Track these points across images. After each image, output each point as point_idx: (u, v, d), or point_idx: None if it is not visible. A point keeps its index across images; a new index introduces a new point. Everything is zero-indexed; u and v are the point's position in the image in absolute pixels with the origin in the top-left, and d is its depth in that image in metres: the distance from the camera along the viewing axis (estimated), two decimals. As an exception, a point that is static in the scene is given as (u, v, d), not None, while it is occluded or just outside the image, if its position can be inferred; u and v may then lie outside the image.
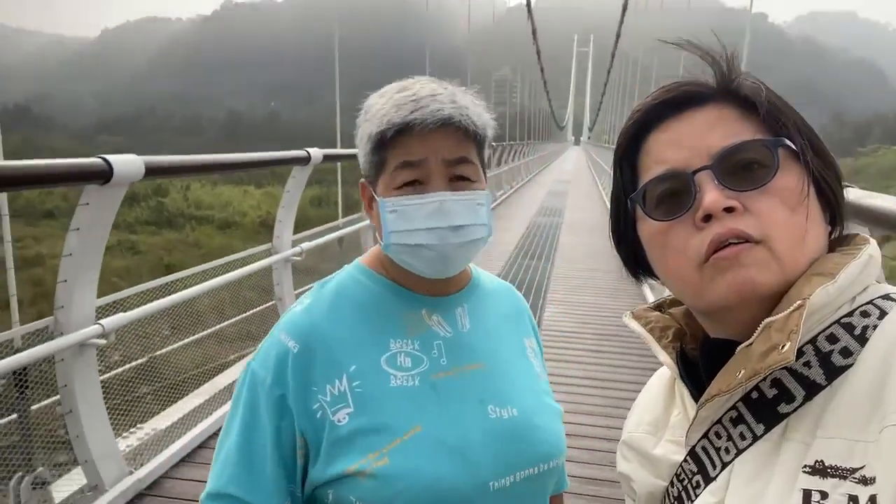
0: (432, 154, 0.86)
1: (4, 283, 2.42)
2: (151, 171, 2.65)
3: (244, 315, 4.68)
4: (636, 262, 0.70)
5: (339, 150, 5.16)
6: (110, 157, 2.44)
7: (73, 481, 2.76)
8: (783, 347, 0.52)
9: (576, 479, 2.95)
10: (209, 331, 4.34)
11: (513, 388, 0.95)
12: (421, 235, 0.86)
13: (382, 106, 0.86)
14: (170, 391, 3.77)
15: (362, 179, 0.95)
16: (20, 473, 2.57)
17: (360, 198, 0.97)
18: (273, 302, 4.49)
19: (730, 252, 0.57)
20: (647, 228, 0.65)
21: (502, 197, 16.41)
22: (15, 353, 2.43)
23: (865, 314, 0.55)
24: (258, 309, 4.70)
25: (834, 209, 0.63)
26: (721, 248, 0.57)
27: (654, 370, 0.79)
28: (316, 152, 4.26)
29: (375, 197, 0.91)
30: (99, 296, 2.66)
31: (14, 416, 2.53)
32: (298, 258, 4.42)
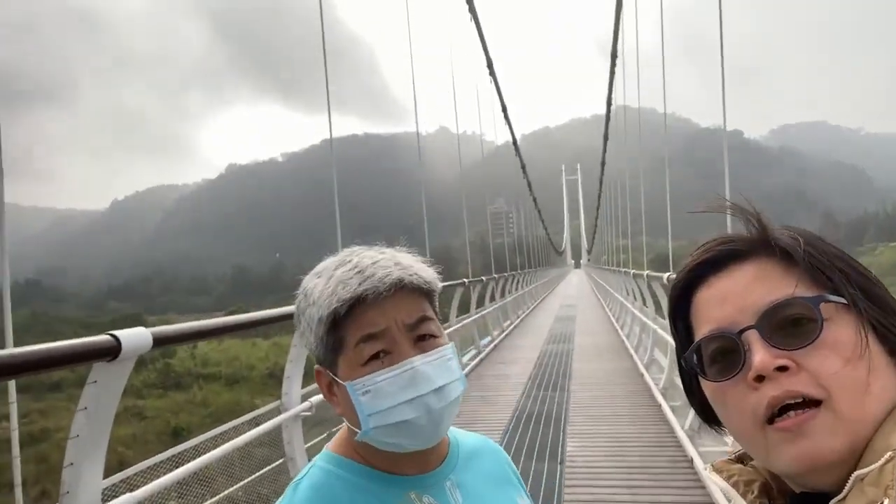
0: (392, 321, 0.82)
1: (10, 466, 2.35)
2: (159, 342, 2.66)
3: (254, 476, 4.49)
4: (708, 413, 0.68)
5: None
6: (118, 333, 2.45)
7: None
8: None
9: None
10: (218, 497, 4.15)
11: None
12: (403, 410, 0.80)
13: (325, 286, 0.82)
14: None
15: (317, 367, 0.88)
16: None
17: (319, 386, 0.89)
18: (282, 460, 4.33)
19: (792, 423, 0.56)
20: (707, 387, 0.64)
21: (510, 327, 16.33)
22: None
23: None
24: (268, 469, 4.52)
25: None
26: (781, 410, 0.56)
27: None
28: (321, 305, 4.29)
29: (338, 382, 0.84)
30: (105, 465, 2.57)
31: None
32: (308, 413, 4.31)
